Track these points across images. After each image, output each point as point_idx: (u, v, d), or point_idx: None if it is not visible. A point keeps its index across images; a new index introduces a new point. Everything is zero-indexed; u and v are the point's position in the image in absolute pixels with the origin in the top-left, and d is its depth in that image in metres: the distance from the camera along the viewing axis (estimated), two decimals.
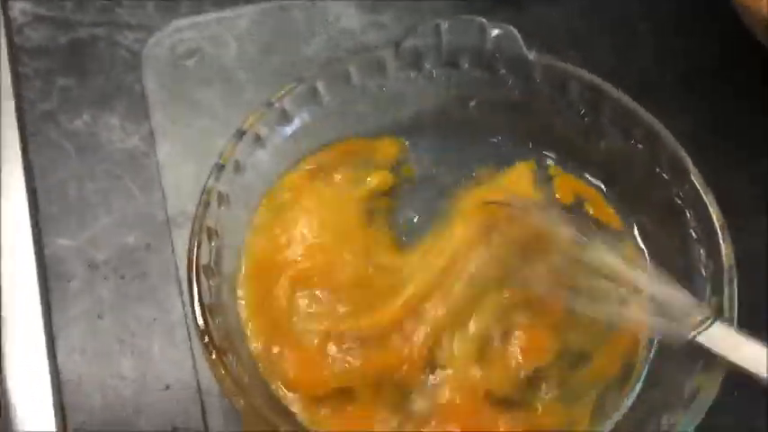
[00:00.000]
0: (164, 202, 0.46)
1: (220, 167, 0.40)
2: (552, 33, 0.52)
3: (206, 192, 0.39)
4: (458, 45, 0.44)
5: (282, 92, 0.42)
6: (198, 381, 0.41)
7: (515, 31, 0.44)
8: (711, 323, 0.35)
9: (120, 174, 0.47)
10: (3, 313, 0.43)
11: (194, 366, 0.41)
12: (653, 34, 0.53)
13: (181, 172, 0.47)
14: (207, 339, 0.35)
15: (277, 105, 0.42)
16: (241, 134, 0.41)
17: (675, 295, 0.36)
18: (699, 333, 0.35)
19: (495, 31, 0.44)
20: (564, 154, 0.46)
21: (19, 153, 0.47)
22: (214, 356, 0.34)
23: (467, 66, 0.45)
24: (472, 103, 0.47)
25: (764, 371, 0.33)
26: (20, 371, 0.41)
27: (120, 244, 0.45)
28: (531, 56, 0.44)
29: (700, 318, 0.35)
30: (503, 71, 0.45)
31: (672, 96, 0.50)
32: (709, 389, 0.35)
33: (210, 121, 0.49)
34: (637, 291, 0.37)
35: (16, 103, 0.49)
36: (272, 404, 0.37)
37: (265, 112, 0.42)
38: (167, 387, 0.41)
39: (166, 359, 0.42)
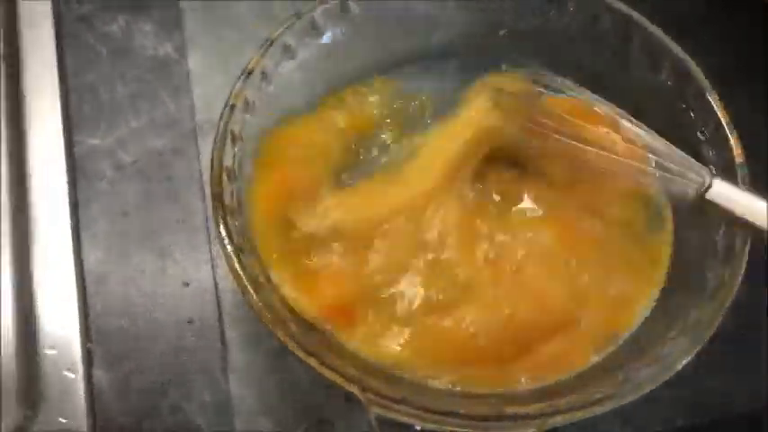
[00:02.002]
0: (192, 109, 0.47)
1: (248, 74, 0.40)
2: None
3: (233, 96, 0.40)
4: None
5: (313, 3, 0.42)
6: (215, 280, 0.42)
7: None
8: (713, 180, 0.36)
9: (151, 79, 0.48)
10: (32, 208, 0.44)
11: (213, 268, 0.42)
12: None
13: (210, 81, 0.48)
14: (224, 233, 0.36)
15: (306, 16, 0.42)
16: (270, 43, 0.41)
17: (679, 156, 0.38)
18: (705, 190, 0.36)
19: None
20: (589, 86, 0.45)
21: (54, 54, 0.48)
22: (230, 249, 0.35)
23: None
24: (502, 32, 0.46)
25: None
26: (46, 262, 0.43)
27: (148, 147, 0.46)
28: None
29: (703, 177, 0.37)
30: None
31: (710, 34, 0.49)
32: (712, 319, 0.35)
33: (242, 33, 0.50)
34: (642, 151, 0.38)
35: (53, 4, 0.50)
36: (285, 304, 0.38)
37: (295, 22, 0.42)
38: (186, 284, 0.42)
39: (187, 258, 0.43)
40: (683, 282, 0.39)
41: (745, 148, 0.39)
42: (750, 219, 0.36)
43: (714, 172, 0.38)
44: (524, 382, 0.38)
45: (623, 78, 0.44)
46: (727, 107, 0.40)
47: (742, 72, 0.49)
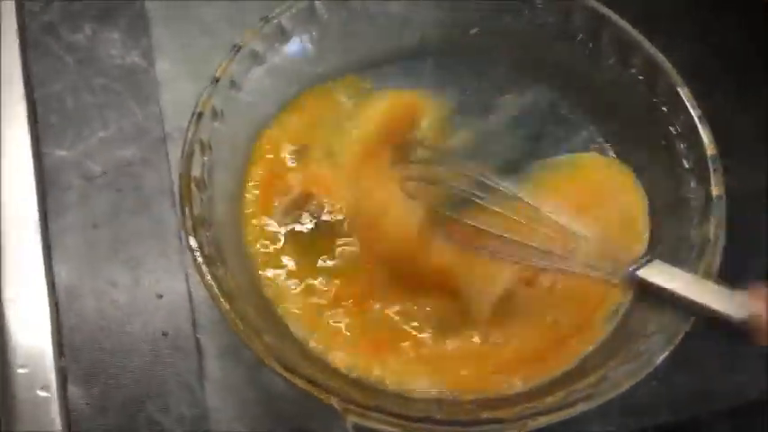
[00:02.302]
0: (161, 117, 0.47)
1: (215, 81, 0.40)
2: None
3: (200, 104, 0.39)
4: None
5: (280, 9, 0.42)
6: (189, 291, 0.42)
7: None
8: (650, 260, 0.37)
9: (119, 88, 0.48)
10: (0, 221, 0.43)
11: (186, 277, 0.42)
12: None
13: (179, 89, 0.47)
14: (195, 245, 0.35)
15: (274, 22, 0.42)
16: (237, 49, 0.41)
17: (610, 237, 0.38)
18: (638, 268, 0.36)
19: None
20: (562, 86, 0.45)
21: (19, 63, 0.48)
22: (200, 260, 0.35)
23: None
24: (474, 31, 0.46)
25: (701, 298, 0.34)
26: (17, 277, 0.42)
27: (117, 157, 0.45)
28: None
29: (639, 255, 0.37)
30: None
31: (678, 28, 0.49)
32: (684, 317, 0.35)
33: (210, 39, 0.49)
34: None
35: (18, 14, 0.49)
36: (260, 312, 0.37)
37: (262, 27, 0.41)
38: (159, 296, 0.42)
39: (159, 269, 0.42)
40: None
41: (720, 142, 0.39)
42: (692, 299, 0.35)
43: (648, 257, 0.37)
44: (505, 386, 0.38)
45: (595, 74, 0.44)
46: (701, 102, 0.40)
47: (717, 67, 0.49)
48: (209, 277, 0.35)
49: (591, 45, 0.44)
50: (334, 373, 0.37)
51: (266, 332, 0.35)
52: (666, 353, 0.34)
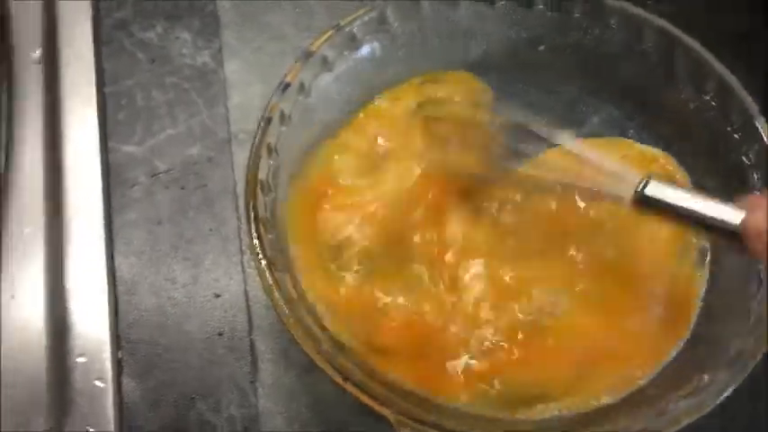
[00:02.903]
0: (227, 118, 0.47)
1: (285, 86, 0.40)
2: None
3: (269, 108, 0.39)
4: None
5: (352, 16, 0.42)
6: (246, 292, 0.42)
7: None
8: (648, 180, 0.35)
9: (188, 87, 0.48)
10: (67, 214, 0.44)
11: (245, 278, 0.42)
12: None
13: (246, 91, 0.48)
14: (258, 247, 0.35)
15: (346, 29, 0.42)
16: (308, 55, 0.41)
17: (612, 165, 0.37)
18: (643, 188, 0.35)
19: None
20: (631, 106, 0.45)
21: (92, 59, 0.49)
22: (263, 263, 0.35)
23: (541, 6, 0.44)
24: (542, 47, 0.46)
25: (699, 208, 0.34)
26: (80, 268, 0.43)
27: (183, 155, 0.46)
28: (609, 1, 0.43)
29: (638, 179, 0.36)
30: (577, 15, 0.44)
31: (754, 53, 0.48)
32: (755, 350, 0.34)
33: (280, 43, 0.50)
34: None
35: (93, 10, 0.50)
36: (317, 318, 0.37)
37: (333, 34, 0.42)
38: (217, 295, 0.42)
39: (219, 268, 0.43)
40: (723, 311, 0.38)
41: None
42: (691, 209, 0.34)
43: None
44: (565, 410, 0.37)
45: (666, 97, 0.43)
46: None
47: None
48: (269, 280, 0.35)
49: (663, 67, 0.43)
50: (389, 384, 0.36)
51: (323, 339, 0.35)
52: (731, 390, 0.34)
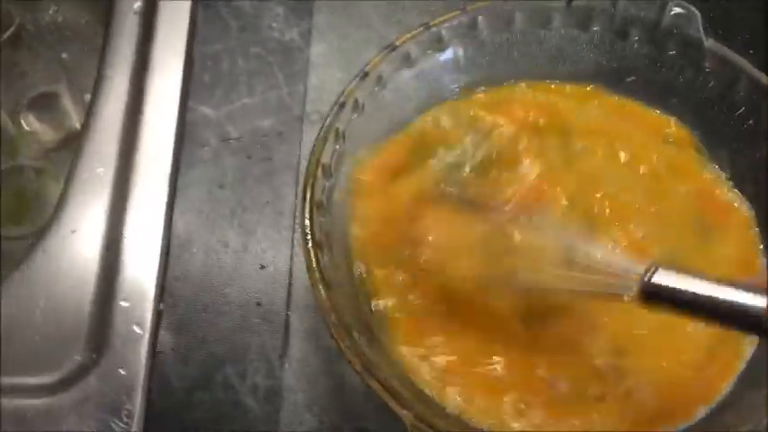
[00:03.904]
0: (304, 97, 0.48)
1: (364, 75, 0.41)
2: (735, 26, 0.49)
3: (345, 94, 0.40)
4: (633, 15, 0.43)
5: (442, 18, 0.42)
6: (291, 268, 0.43)
7: (697, 13, 0.41)
8: (656, 269, 0.32)
9: (272, 61, 0.49)
10: (137, 163, 0.46)
11: (292, 255, 0.43)
12: None
13: (327, 74, 0.49)
14: (308, 227, 0.36)
15: (434, 29, 0.42)
16: (392, 48, 0.41)
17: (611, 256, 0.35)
18: (650, 278, 0.32)
19: (677, 9, 0.42)
20: (713, 149, 0.43)
21: (187, 19, 0.50)
22: (310, 243, 0.35)
23: (636, 38, 0.43)
24: (630, 79, 0.45)
25: (720, 294, 0.31)
26: (139, 217, 0.44)
27: (255, 125, 0.47)
28: (708, 42, 0.42)
29: (644, 268, 0.33)
30: (672, 52, 0.43)
31: None
32: None
33: (366, 32, 0.50)
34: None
35: None
36: (354, 311, 0.38)
37: (420, 32, 0.42)
38: (262, 267, 0.43)
39: (269, 241, 0.44)
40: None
41: None
42: (706, 295, 0.31)
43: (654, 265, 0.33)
44: None
45: (751, 150, 0.42)
46: None
47: None
48: (313, 261, 0.36)
49: (751, 118, 0.41)
50: (414, 387, 0.36)
51: (356, 329, 0.35)
52: None
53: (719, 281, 0.32)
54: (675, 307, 0.32)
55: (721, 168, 0.43)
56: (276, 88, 0.48)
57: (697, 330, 0.37)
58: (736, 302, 0.31)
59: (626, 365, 0.37)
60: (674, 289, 0.32)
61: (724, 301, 0.31)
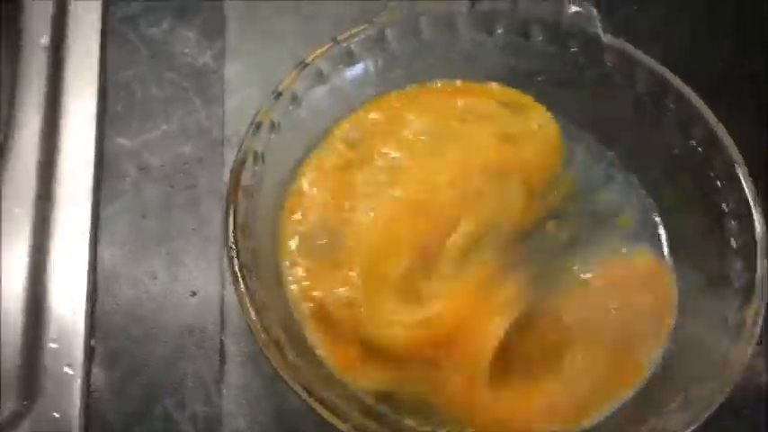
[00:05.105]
0: (223, 120, 0.48)
1: (278, 95, 0.41)
2: (632, 22, 0.51)
3: (259, 115, 0.40)
4: (534, 15, 0.44)
5: (351, 32, 0.43)
6: (222, 294, 0.42)
7: (594, 11, 0.43)
8: None
9: (187, 86, 0.49)
10: (57, 199, 0.45)
11: (222, 280, 0.43)
12: (736, 31, 0.52)
13: (244, 94, 0.49)
14: (233, 250, 0.36)
15: (344, 44, 0.43)
16: (303, 66, 0.42)
17: None
18: None
19: (574, 8, 0.43)
20: (618, 144, 0.45)
21: (97, 51, 0.49)
22: (236, 268, 0.35)
23: (540, 38, 0.45)
24: (540, 78, 0.46)
25: None
26: (62, 255, 0.43)
27: (175, 153, 0.47)
28: (606, 38, 0.43)
29: None
30: (574, 49, 0.44)
31: (744, 103, 0.49)
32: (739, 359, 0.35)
33: (282, 49, 0.50)
34: None
35: (102, 1, 0.51)
36: (286, 328, 0.38)
37: (330, 47, 0.42)
38: (193, 293, 0.43)
39: (198, 268, 0.44)
40: (686, 353, 0.38)
41: None
42: None
43: None
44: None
45: (655, 139, 0.44)
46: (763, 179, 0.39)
47: None
48: (241, 284, 0.36)
49: (654, 109, 0.43)
50: (353, 398, 0.37)
51: (289, 348, 0.35)
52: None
53: None
54: None
55: (620, 154, 0.45)
56: (193, 113, 0.48)
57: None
58: None
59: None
60: None
61: None
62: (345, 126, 0.44)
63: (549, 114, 0.45)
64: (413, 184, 0.42)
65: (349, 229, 0.40)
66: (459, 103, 0.45)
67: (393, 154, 0.43)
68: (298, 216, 0.41)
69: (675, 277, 0.42)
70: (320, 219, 0.41)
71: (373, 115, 0.44)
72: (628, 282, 0.41)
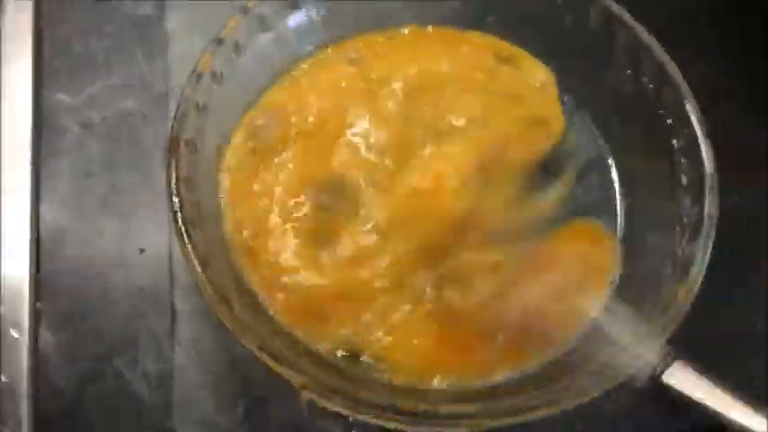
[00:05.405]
0: (166, 72, 0.46)
1: (219, 42, 0.39)
2: None
3: (200, 65, 0.39)
4: None
5: None
6: (170, 250, 0.42)
7: None
8: (668, 362, 0.35)
9: (128, 37, 0.47)
10: None
11: (170, 236, 0.42)
12: None
13: (187, 46, 0.47)
14: (176, 208, 0.35)
15: None
16: (245, 11, 0.40)
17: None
18: (660, 372, 0.35)
19: None
20: (570, 79, 0.45)
21: (31, 3, 0.47)
22: (180, 223, 0.35)
23: None
24: (490, 18, 0.45)
25: (727, 409, 0.35)
26: (3, 216, 0.42)
27: (118, 107, 0.45)
28: None
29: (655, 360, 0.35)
30: None
31: (699, 42, 0.48)
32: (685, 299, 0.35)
33: None
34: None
35: None
36: (234, 282, 0.37)
37: None
38: (142, 250, 0.42)
39: (145, 224, 0.43)
40: (635, 292, 0.38)
41: (726, 160, 0.38)
42: (713, 408, 0.35)
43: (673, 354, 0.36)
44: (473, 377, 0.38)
45: (605, 75, 0.43)
46: (713, 119, 0.39)
47: (735, 85, 0.48)
48: (185, 237, 0.35)
49: (605, 46, 0.43)
50: (301, 349, 0.37)
51: (236, 300, 0.35)
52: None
53: (728, 390, 0.35)
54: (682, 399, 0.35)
55: (571, 88, 0.45)
56: (136, 66, 0.47)
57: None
58: (741, 425, 0.35)
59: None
60: (681, 392, 0.35)
61: (730, 421, 0.35)
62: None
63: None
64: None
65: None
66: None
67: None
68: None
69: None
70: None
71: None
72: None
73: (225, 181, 0.41)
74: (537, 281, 0.38)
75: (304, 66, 0.44)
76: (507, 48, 0.45)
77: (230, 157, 0.41)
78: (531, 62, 0.45)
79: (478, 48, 0.45)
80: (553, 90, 0.45)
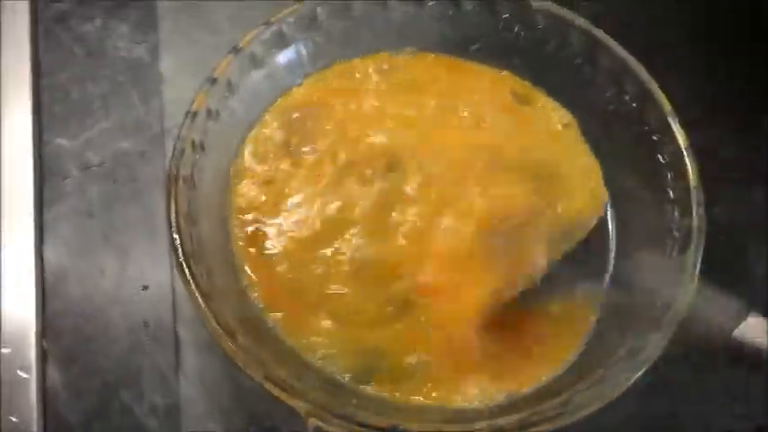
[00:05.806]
0: (162, 112, 0.47)
1: (213, 81, 0.41)
2: None
3: (195, 104, 0.40)
4: None
5: (282, 14, 0.43)
6: (173, 284, 0.42)
7: None
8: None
9: (123, 81, 0.49)
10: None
11: (171, 271, 0.43)
12: None
13: (181, 85, 0.48)
14: (177, 243, 0.36)
15: (275, 26, 0.42)
16: (237, 51, 0.42)
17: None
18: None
19: None
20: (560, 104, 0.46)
21: (29, 51, 0.49)
22: (181, 258, 0.35)
23: (469, 6, 0.45)
24: (474, 47, 0.47)
25: None
26: (8, 261, 0.43)
27: (116, 149, 0.47)
28: (536, 2, 0.44)
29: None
30: (506, 15, 0.45)
31: (679, 59, 0.50)
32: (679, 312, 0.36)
33: (217, 38, 0.50)
34: None
35: (30, 2, 0.50)
36: (239, 314, 0.38)
37: (262, 30, 0.42)
38: (144, 287, 0.43)
39: (147, 260, 0.43)
40: (628, 304, 0.39)
41: (710, 174, 0.39)
42: None
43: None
44: (474, 398, 0.38)
45: (591, 97, 0.44)
46: (696, 133, 0.40)
47: (717, 100, 0.49)
48: (187, 272, 0.36)
49: (587, 68, 0.44)
50: (312, 373, 0.37)
51: (241, 332, 0.36)
52: (633, 380, 0.35)
53: None
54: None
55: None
56: (132, 108, 0.48)
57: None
58: None
59: None
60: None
61: None
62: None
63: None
64: None
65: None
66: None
67: None
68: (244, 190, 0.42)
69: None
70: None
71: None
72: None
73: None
74: None
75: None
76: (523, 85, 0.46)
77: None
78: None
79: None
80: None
